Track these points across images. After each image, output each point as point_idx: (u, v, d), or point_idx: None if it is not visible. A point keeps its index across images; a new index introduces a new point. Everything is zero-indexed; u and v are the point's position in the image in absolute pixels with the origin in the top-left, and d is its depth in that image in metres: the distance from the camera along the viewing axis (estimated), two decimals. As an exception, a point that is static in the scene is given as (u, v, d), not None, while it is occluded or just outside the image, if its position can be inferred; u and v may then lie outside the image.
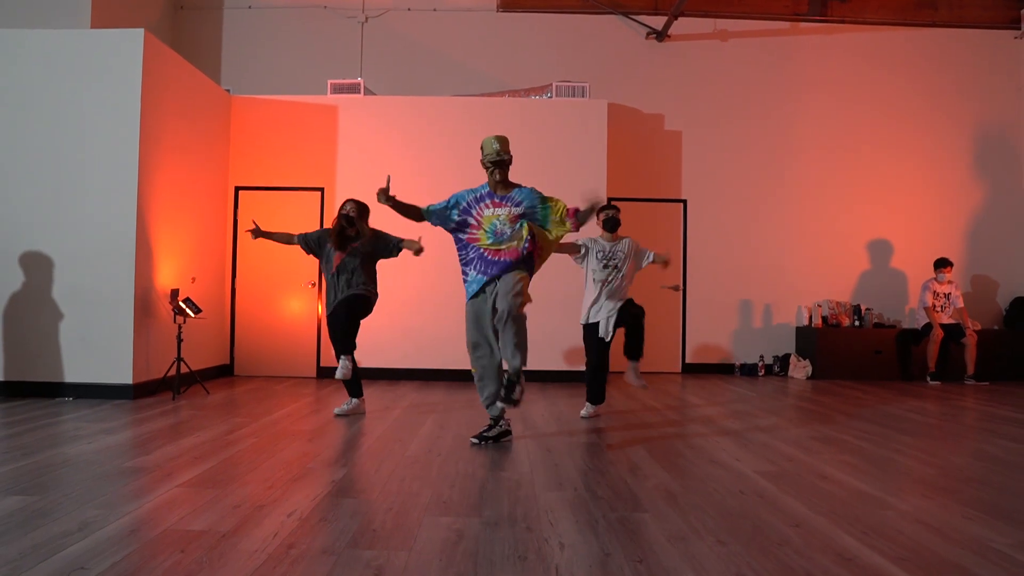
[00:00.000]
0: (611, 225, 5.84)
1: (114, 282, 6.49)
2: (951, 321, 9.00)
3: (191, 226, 7.58)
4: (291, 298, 8.44)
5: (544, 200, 4.74)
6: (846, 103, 9.85)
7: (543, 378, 8.20)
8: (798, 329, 9.56)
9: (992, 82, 9.98)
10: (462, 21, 9.68)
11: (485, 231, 4.68)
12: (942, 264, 9.04)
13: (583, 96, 8.50)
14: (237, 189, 8.53)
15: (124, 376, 6.47)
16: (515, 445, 4.70)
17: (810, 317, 9.45)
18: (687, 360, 9.53)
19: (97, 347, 6.47)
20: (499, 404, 4.69)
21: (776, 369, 9.47)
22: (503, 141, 4.65)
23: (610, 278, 5.74)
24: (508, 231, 4.63)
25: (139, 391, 6.55)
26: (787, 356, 9.41)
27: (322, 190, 8.48)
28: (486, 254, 4.67)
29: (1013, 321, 9.67)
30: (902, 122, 9.87)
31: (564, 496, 3.45)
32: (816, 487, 3.68)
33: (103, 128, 6.55)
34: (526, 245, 4.66)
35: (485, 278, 4.65)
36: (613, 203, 5.89)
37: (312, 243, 5.96)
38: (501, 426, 4.77)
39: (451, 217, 4.81)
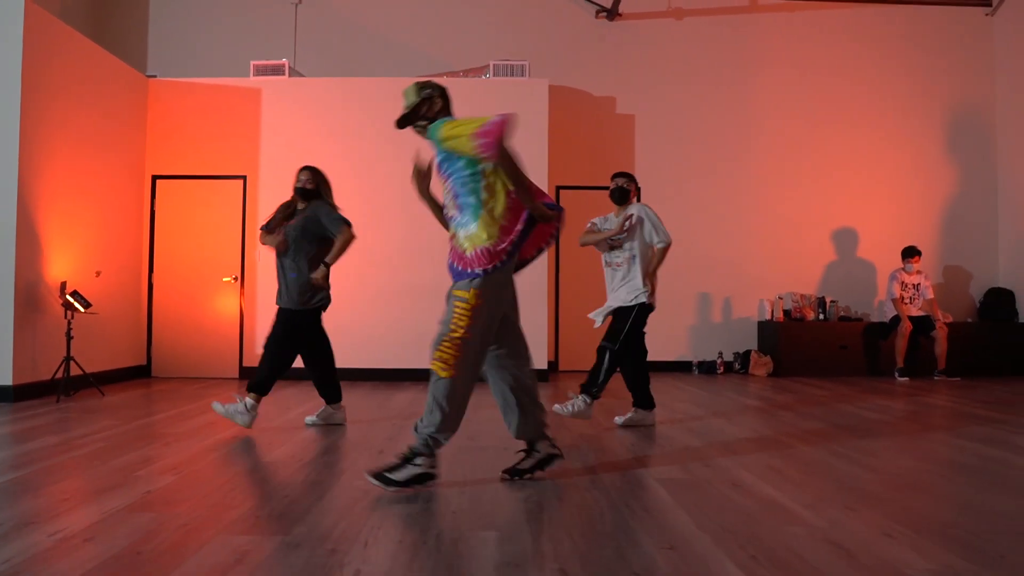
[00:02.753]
0: (617, 196, 4.92)
1: (-9, 274, 5.89)
2: (921, 313, 8.44)
3: (95, 216, 6.98)
4: (213, 294, 7.85)
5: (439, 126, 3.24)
6: (809, 85, 9.30)
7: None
8: (760, 324, 8.99)
9: (963, 62, 9.43)
10: (401, 0, 9.11)
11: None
12: (910, 253, 8.49)
13: (523, 76, 7.94)
14: (155, 178, 7.93)
15: (3, 377, 5.87)
16: (396, 448, 4.11)
17: (772, 311, 8.89)
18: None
19: (-28, 345, 5.87)
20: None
21: (736, 366, 8.90)
22: (406, 94, 3.42)
23: (614, 259, 4.89)
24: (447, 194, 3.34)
25: (21, 393, 5.94)
26: (748, 352, 8.84)
27: (244, 178, 7.89)
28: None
29: (987, 313, 9.11)
30: (869, 105, 9.32)
31: (407, 510, 2.87)
32: (722, 498, 3.10)
33: (-22, 105, 5.96)
34: (475, 248, 3.16)
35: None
36: (624, 172, 5.02)
37: None
38: (538, 452, 3.39)
39: None
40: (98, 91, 7.04)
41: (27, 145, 6.03)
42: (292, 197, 4.92)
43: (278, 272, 4.82)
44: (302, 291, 4.75)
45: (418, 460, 3.14)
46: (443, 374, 3.09)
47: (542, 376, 7.73)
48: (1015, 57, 9.13)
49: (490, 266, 3.13)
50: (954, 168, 9.38)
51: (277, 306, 4.84)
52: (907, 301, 8.46)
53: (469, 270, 3.14)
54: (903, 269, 8.52)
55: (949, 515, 2.83)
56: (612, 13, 9.08)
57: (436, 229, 7.79)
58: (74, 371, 6.28)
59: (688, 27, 9.28)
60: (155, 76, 8.35)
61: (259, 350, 7.72)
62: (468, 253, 3.16)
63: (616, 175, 5.03)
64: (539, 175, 7.79)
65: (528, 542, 2.49)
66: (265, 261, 7.78)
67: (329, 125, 7.89)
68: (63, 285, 6.22)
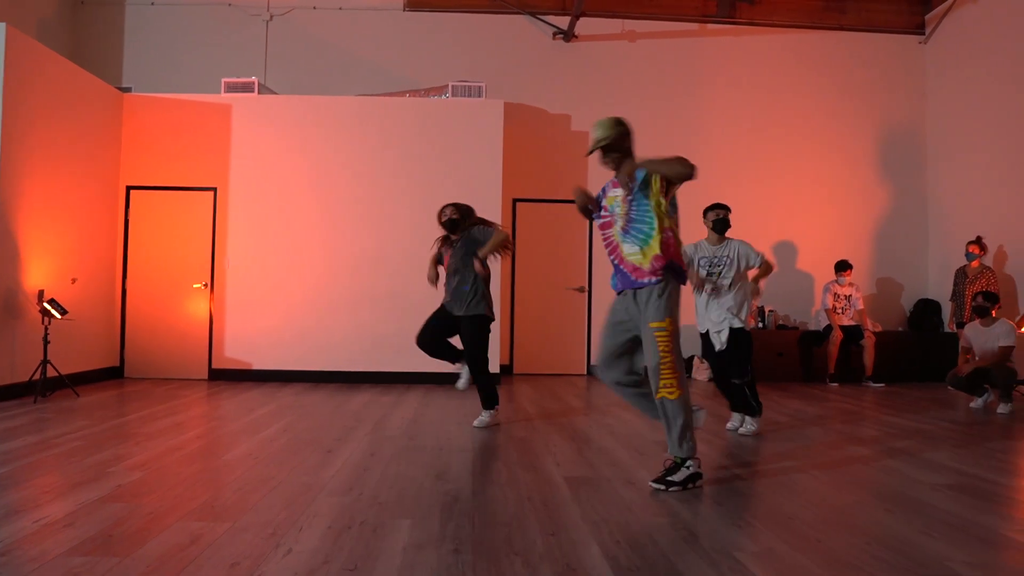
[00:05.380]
0: (720, 227, 5.43)
1: (-27, 282, 6.32)
2: (851, 323, 9.06)
3: (71, 226, 7.41)
4: (184, 299, 8.28)
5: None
6: (754, 105, 9.89)
7: (420, 380, 8.14)
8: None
9: (897, 86, 10.08)
10: (368, 20, 9.59)
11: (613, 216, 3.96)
12: (843, 267, 9.11)
13: (479, 96, 8.44)
14: (129, 188, 8.35)
15: (-17, 378, 6.30)
16: (354, 451, 4.61)
17: (715, 319, 9.46)
18: (592, 362, 9.51)
19: (-45, 349, 6.29)
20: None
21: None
22: (602, 126, 3.89)
23: (714, 283, 5.38)
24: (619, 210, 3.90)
25: (0, 394, 6.37)
26: (691, 358, 9.42)
27: (215, 190, 8.33)
28: (613, 258, 3.97)
29: (916, 323, 9.77)
30: (809, 125, 9.94)
31: (343, 501, 3.38)
32: (613, 494, 3.63)
33: (-37, 124, 6.37)
34: (657, 255, 3.77)
35: (618, 287, 3.98)
36: (721, 203, 5.56)
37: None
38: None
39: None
40: (74, 107, 7.45)
41: (7, 161, 6.45)
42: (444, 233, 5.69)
43: (451, 289, 5.56)
44: (474, 299, 5.47)
45: (688, 463, 3.76)
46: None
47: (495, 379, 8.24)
48: (945, 83, 9.78)
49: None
50: (888, 186, 10.03)
51: (456, 315, 5.52)
52: (839, 311, 9.08)
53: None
54: (836, 281, 9.14)
55: (794, 508, 3.39)
56: (568, 35, 9.61)
57: (394, 241, 8.29)
58: (50, 373, 6.70)
59: (640, 49, 9.83)
60: (130, 88, 8.76)
61: (228, 353, 8.19)
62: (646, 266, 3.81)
63: (715, 207, 5.51)
64: (493, 188, 8.31)
65: (435, 528, 3.00)
66: (232, 269, 8.23)
67: (296, 141, 8.35)
68: (41, 293, 6.65)
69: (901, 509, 3.38)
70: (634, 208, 3.84)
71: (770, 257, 9.81)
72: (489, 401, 5.53)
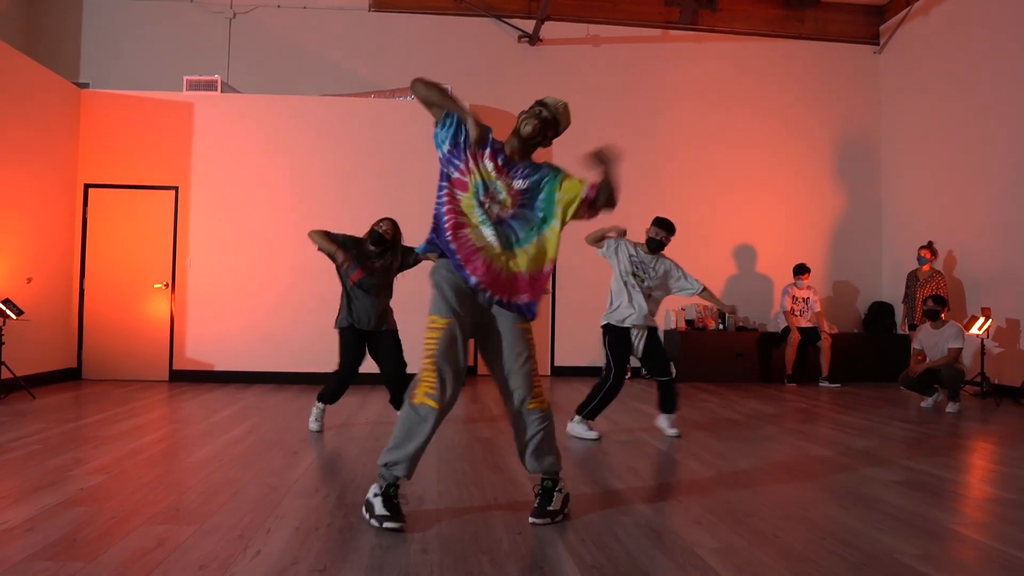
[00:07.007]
0: (654, 247, 5.34)
1: (-75, 282, 6.17)
2: (809, 325, 9.26)
3: (27, 225, 7.26)
4: (144, 299, 8.17)
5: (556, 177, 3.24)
6: (714, 111, 10.06)
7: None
8: (665, 332, 9.71)
9: (853, 94, 10.34)
10: (333, 20, 9.55)
11: (471, 192, 3.15)
12: (801, 271, 9.31)
13: (445, 98, 8.45)
14: (87, 187, 8.21)
15: (-65, 381, 6.15)
16: (320, 452, 4.61)
17: (676, 321, 9.62)
18: (556, 363, 9.59)
19: (-94, 350, 6.13)
20: None
21: (643, 372, 9.60)
22: (564, 108, 3.27)
23: (638, 285, 5.27)
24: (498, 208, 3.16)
25: (-47, 396, 6.23)
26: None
27: (176, 189, 8.23)
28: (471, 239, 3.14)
29: (870, 325, 10.03)
30: (768, 130, 10.15)
31: (310, 503, 3.39)
32: (576, 492, 3.69)
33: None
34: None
35: (473, 280, 3.12)
36: (664, 220, 5.38)
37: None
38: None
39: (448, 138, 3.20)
40: (30, 102, 7.31)
41: (-38, 159, 6.31)
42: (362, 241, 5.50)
43: (367, 304, 5.32)
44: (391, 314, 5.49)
45: (560, 484, 3.23)
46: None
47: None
48: (898, 91, 10.06)
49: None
50: (843, 192, 10.28)
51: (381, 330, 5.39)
52: (797, 313, 9.28)
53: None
54: (794, 284, 9.34)
55: (754, 505, 3.48)
56: (533, 38, 9.68)
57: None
58: (4, 375, 6.57)
59: (604, 53, 9.94)
60: (88, 84, 8.61)
61: (189, 354, 8.09)
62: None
63: (660, 224, 5.36)
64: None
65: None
66: (194, 269, 8.14)
67: (259, 140, 8.29)
68: (-4, 293, 6.51)
69: (854, 505, 3.50)
70: (528, 205, 3.16)
71: (729, 260, 10.00)
72: (401, 404, 5.48)
